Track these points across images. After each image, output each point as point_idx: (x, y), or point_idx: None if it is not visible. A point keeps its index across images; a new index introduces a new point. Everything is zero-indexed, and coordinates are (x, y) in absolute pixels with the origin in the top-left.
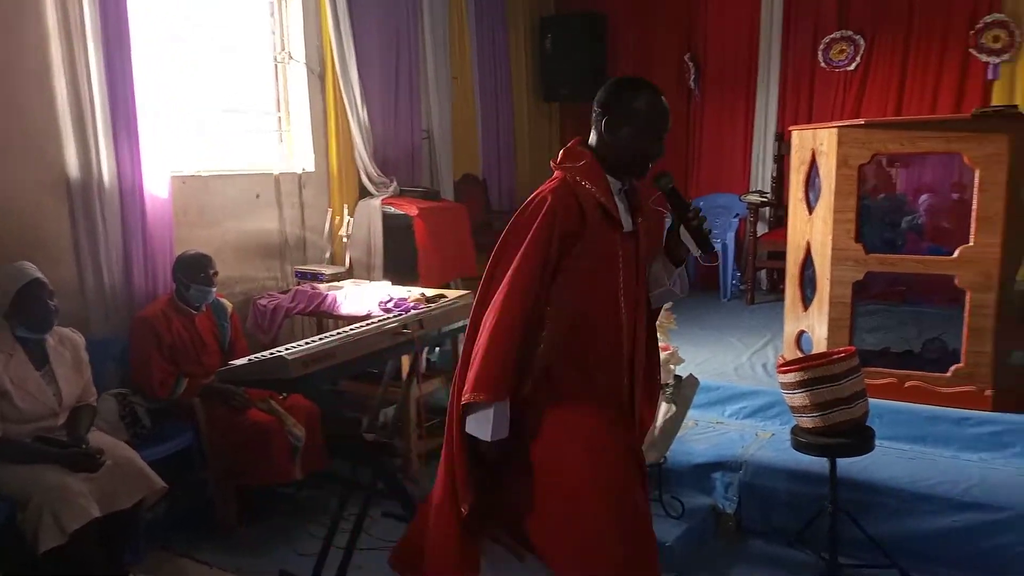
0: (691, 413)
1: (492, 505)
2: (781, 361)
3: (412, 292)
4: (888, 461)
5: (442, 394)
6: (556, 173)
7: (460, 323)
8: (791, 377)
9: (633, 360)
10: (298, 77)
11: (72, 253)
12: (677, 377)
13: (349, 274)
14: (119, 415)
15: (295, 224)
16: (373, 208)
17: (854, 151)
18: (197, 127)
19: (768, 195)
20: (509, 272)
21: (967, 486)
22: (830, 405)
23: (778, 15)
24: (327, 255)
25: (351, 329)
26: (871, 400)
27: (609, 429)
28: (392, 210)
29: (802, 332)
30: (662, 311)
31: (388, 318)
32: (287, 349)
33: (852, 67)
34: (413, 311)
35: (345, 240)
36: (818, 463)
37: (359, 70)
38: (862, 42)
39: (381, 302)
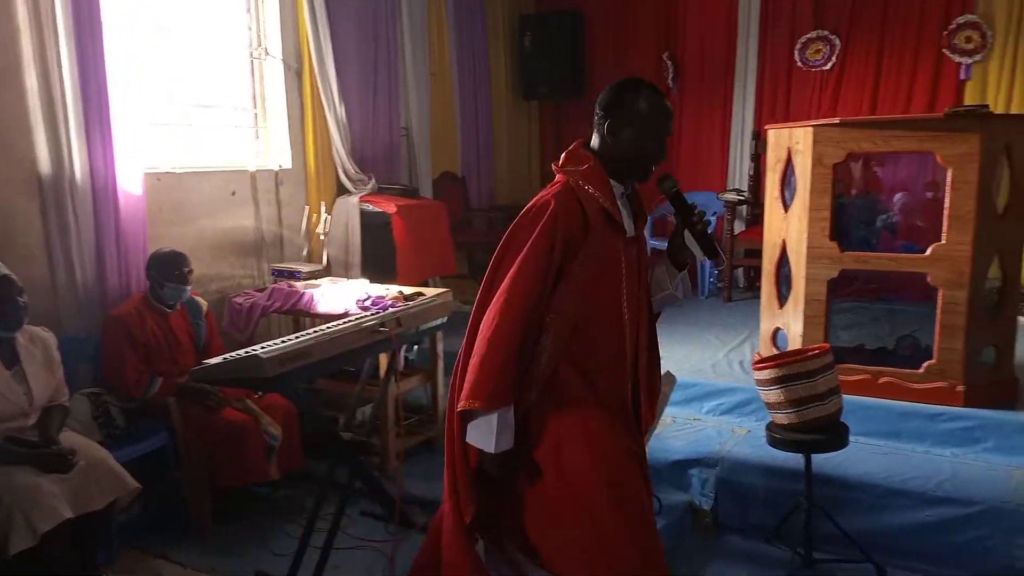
0: (669, 410)
1: (495, 513)
2: (757, 358)
3: (390, 290)
4: (862, 457)
5: (420, 392)
6: (558, 176)
7: (438, 321)
8: (766, 374)
9: (636, 364)
10: (275, 73)
11: (43, 250)
12: None
13: (327, 272)
14: (92, 415)
15: (272, 221)
16: (351, 205)
17: (829, 150)
18: (172, 123)
19: (745, 193)
20: (508, 276)
21: (939, 481)
22: (805, 401)
23: (755, 15)
24: (304, 253)
25: (328, 327)
26: (846, 396)
27: (612, 432)
28: (370, 207)
29: (778, 329)
30: None
31: (366, 316)
32: (262, 348)
33: (828, 67)
34: (391, 309)
35: (322, 238)
36: (794, 459)
37: (336, 66)
38: (838, 42)
39: (359, 300)
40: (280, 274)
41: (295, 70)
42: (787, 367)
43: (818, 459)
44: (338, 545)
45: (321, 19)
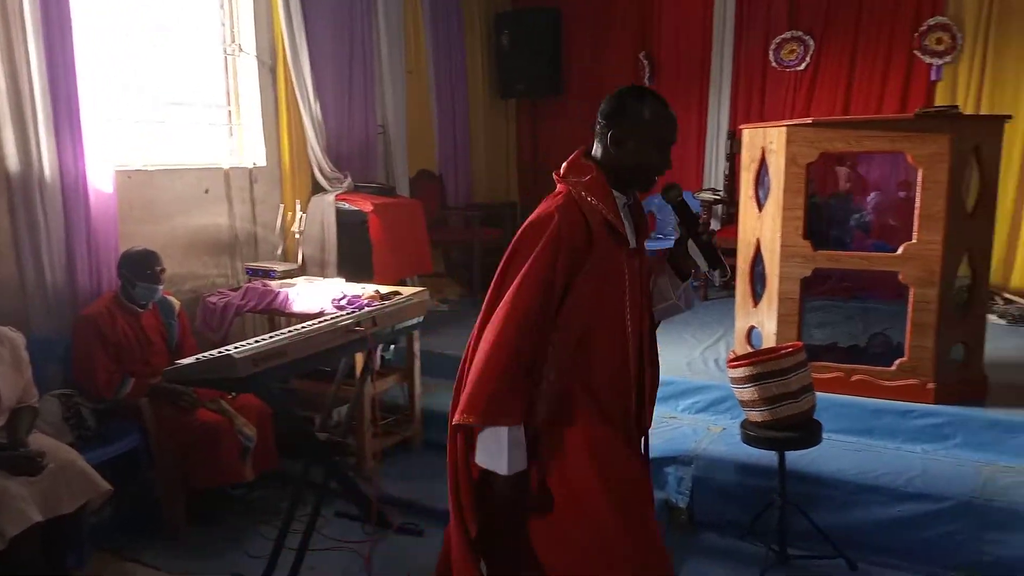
0: None
1: (500, 533)
2: (732, 356)
3: (366, 289)
4: (835, 453)
5: (397, 392)
6: (560, 187)
7: (415, 320)
8: (740, 372)
9: (640, 376)
10: (249, 70)
11: (12, 249)
12: None
13: (302, 271)
14: (63, 416)
15: (246, 220)
16: (327, 204)
17: (803, 149)
18: (144, 120)
19: (721, 192)
20: (510, 291)
21: (910, 477)
22: (778, 399)
23: (730, 15)
24: (279, 251)
25: (302, 327)
26: (819, 394)
27: (615, 445)
28: (346, 206)
29: (752, 327)
30: None
31: (341, 315)
32: (236, 347)
33: (802, 67)
34: (367, 308)
35: (298, 236)
36: (768, 456)
37: (312, 63)
38: (812, 43)
39: (334, 299)
40: (254, 273)
41: (269, 67)
42: (761, 365)
43: (792, 456)
44: (314, 546)
45: (296, 15)
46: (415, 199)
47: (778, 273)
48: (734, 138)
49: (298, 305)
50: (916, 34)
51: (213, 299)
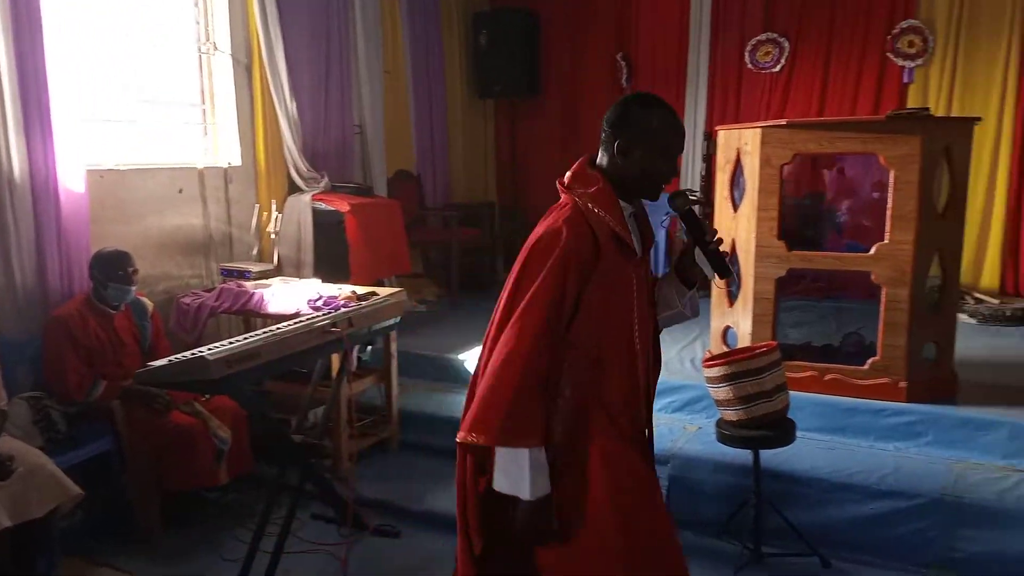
0: None
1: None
2: (707, 356)
3: (343, 290)
4: (809, 452)
5: (374, 393)
6: (564, 198)
7: (392, 320)
8: (716, 371)
9: (647, 383)
10: (224, 68)
11: None
12: None
13: (278, 271)
14: (32, 419)
15: (221, 220)
16: (303, 204)
17: (777, 151)
18: (117, 120)
19: (697, 193)
20: (520, 309)
21: (882, 475)
22: (752, 398)
23: (706, 17)
24: (254, 252)
25: (277, 328)
26: (793, 393)
27: (630, 461)
28: (323, 206)
29: (728, 327)
30: None
31: (317, 316)
32: (209, 349)
33: (777, 69)
34: (343, 309)
35: (273, 237)
36: (743, 455)
37: (288, 62)
38: (787, 45)
39: (310, 300)
40: (229, 274)
41: (245, 65)
42: (736, 365)
43: (766, 455)
44: (289, 549)
45: (271, 13)
46: (393, 199)
47: (753, 273)
48: (710, 139)
49: (273, 306)
50: (889, 37)
51: (187, 300)
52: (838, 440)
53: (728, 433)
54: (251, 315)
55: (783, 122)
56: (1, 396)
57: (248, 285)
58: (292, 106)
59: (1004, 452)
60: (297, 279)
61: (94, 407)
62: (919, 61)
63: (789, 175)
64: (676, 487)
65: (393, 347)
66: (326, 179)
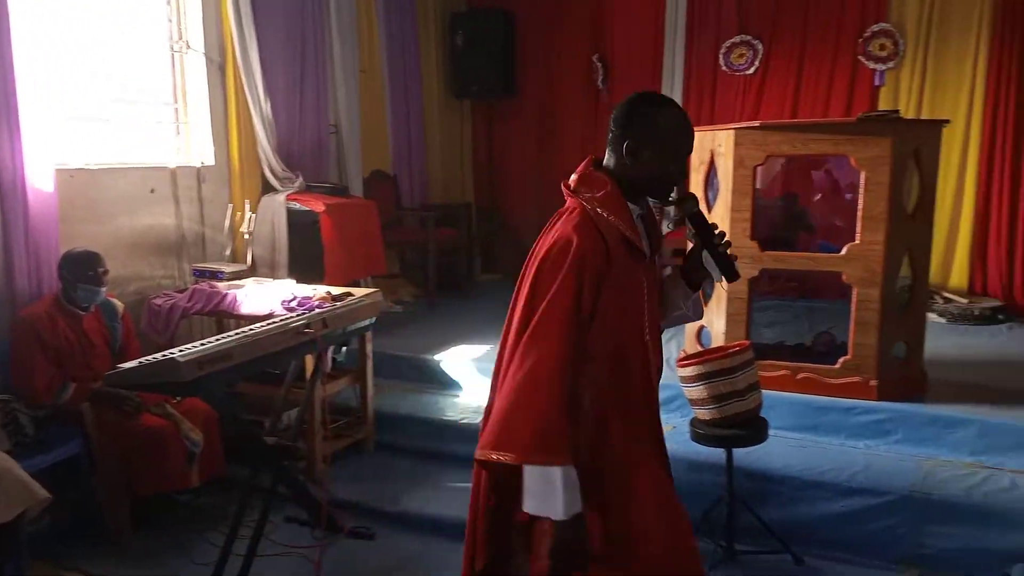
0: None
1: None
2: (682, 355)
3: (318, 290)
4: (782, 450)
5: (349, 394)
6: (570, 202)
7: (367, 321)
8: (690, 371)
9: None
10: (197, 67)
11: None
12: None
13: (251, 272)
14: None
15: (193, 220)
16: (277, 204)
17: (750, 152)
18: (87, 118)
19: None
20: (535, 322)
21: (853, 472)
22: (725, 397)
23: (682, 19)
24: (227, 252)
25: (249, 329)
26: (766, 392)
27: (650, 468)
28: (297, 206)
29: (702, 327)
30: None
31: (291, 317)
32: (180, 351)
33: (751, 71)
34: (317, 310)
35: (247, 237)
36: (717, 454)
37: (262, 60)
38: (761, 47)
39: (284, 301)
40: (202, 274)
41: (218, 64)
42: (709, 364)
43: (739, 453)
44: (262, 552)
45: (245, 11)
46: (369, 199)
47: None
48: None
49: (247, 307)
50: (860, 40)
51: (159, 301)
52: (810, 438)
53: (702, 432)
54: (224, 316)
55: (756, 124)
56: None
57: (221, 286)
58: (266, 105)
59: (972, 449)
60: (271, 280)
61: (63, 410)
62: (890, 64)
63: (777, 176)
64: None
65: (369, 348)
66: (301, 179)
